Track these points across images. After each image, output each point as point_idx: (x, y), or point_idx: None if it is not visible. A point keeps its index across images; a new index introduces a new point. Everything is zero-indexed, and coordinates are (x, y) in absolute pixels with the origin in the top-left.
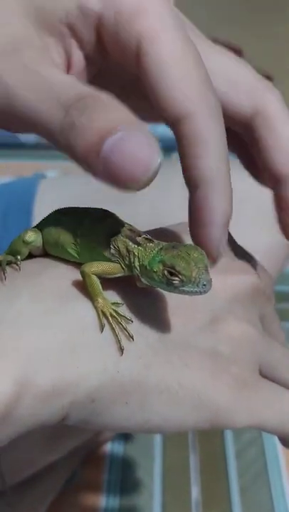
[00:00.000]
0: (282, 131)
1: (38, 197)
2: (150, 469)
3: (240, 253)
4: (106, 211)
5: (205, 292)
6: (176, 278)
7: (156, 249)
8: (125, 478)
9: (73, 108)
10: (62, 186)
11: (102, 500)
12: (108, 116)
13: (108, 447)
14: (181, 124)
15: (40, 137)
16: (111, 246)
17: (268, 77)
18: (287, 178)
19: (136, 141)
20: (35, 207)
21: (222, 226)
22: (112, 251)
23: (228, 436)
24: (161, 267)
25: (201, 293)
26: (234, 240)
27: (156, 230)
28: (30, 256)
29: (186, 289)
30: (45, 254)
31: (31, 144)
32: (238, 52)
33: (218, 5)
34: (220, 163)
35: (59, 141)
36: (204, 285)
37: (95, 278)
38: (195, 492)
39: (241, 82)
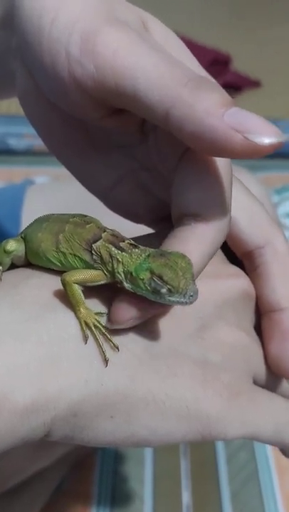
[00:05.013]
0: (286, 265)
1: (25, 203)
2: (141, 475)
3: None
4: (87, 216)
5: (191, 303)
6: (164, 288)
7: (143, 255)
8: (116, 485)
9: (194, 81)
10: (50, 192)
11: (92, 508)
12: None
13: (98, 453)
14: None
15: (30, 143)
16: (93, 252)
17: (257, 82)
18: (286, 309)
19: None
20: (23, 213)
21: None
22: (94, 257)
23: (219, 441)
24: (148, 275)
25: (186, 303)
26: (225, 242)
27: (141, 236)
28: (14, 266)
29: (172, 298)
30: (28, 264)
31: (21, 150)
32: (226, 58)
33: (208, 9)
34: None
35: (173, 111)
36: (191, 296)
37: (76, 287)
38: (186, 497)
39: (257, 219)
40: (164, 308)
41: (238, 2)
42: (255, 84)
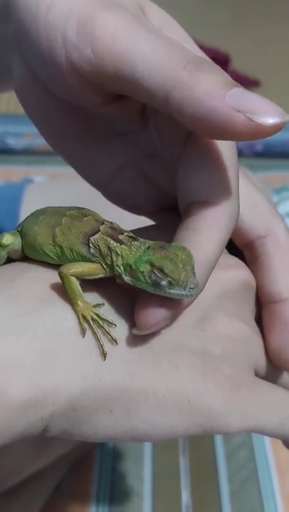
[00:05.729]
0: (287, 255)
1: (24, 202)
2: (140, 473)
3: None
4: (85, 209)
5: (191, 296)
6: (164, 280)
7: (142, 248)
8: (114, 483)
9: (193, 62)
10: (49, 191)
11: (91, 506)
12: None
13: (97, 451)
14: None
15: (28, 143)
16: (90, 245)
17: (256, 81)
18: (287, 300)
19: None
20: (22, 212)
21: None
22: (92, 250)
23: (218, 439)
24: (148, 268)
25: (187, 296)
26: None
27: (141, 228)
28: (11, 260)
29: (172, 291)
30: (25, 257)
31: (20, 149)
32: (226, 58)
33: (206, 9)
34: None
35: (173, 93)
36: (191, 288)
37: (74, 280)
38: (185, 496)
39: (258, 208)
40: (189, 302)
41: (237, 2)
42: (254, 83)
